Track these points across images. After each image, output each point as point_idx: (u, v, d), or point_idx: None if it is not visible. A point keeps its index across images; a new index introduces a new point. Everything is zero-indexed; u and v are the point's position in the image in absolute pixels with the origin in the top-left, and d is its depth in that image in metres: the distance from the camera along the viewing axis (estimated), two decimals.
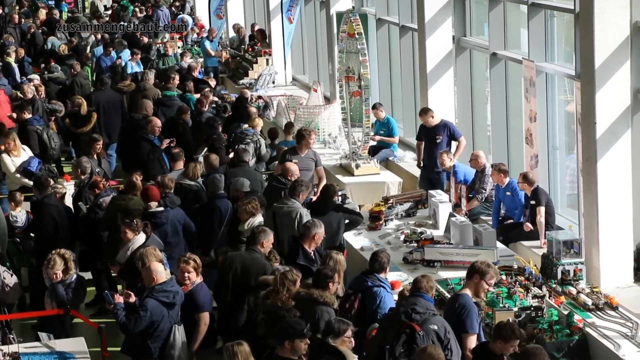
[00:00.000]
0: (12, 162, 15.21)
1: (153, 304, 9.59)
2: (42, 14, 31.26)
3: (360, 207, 14.11)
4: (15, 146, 15.34)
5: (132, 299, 9.70)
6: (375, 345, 8.84)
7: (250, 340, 8.76)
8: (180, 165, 14.50)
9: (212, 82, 20.93)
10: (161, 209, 12.32)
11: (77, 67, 21.72)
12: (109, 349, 10.20)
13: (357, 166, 15.89)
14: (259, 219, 11.75)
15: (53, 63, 22.89)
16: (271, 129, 16.91)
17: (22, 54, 25.29)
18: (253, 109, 17.28)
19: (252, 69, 24.06)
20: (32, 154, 15.67)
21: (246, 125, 16.19)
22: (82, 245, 13.11)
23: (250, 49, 25.07)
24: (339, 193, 13.52)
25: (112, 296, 9.69)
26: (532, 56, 13.55)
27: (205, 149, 15.77)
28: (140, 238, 11.43)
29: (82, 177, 13.96)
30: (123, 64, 23.34)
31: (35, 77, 20.99)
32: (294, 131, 15.89)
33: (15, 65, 23.54)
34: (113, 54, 24.27)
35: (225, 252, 11.11)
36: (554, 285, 10.62)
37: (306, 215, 11.78)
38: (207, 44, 25.52)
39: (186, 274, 10.06)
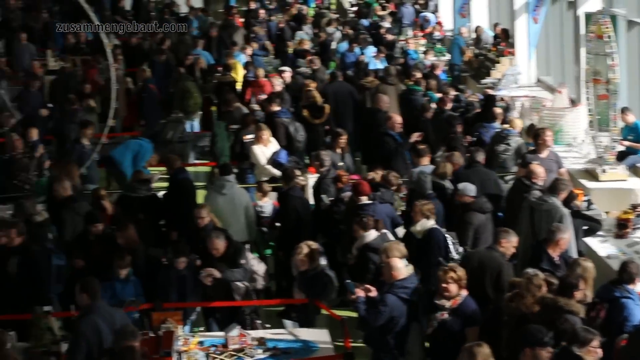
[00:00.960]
0: (263, 153, 15.64)
1: (393, 300, 9.63)
2: (295, 8, 31.98)
3: (606, 213, 13.71)
4: (267, 138, 15.81)
5: (374, 293, 9.79)
6: (626, 358, 8.57)
7: (491, 341, 8.67)
8: (424, 161, 14.35)
9: (469, 96, 20.47)
10: (368, 202, 12.35)
11: (317, 62, 22.06)
12: (351, 341, 10.30)
13: (604, 171, 15.45)
14: (431, 222, 11.50)
15: (310, 58, 23.11)
16: None
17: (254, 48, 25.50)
18: (499, 110, 17.06)
19: (495, 68, 23.79)
20: (278, 146, 16.08)
21: (507, 126, 16.01)
22: (324, 238, 13.32)
23: (493, 49, 24.80)
24: (585, 198, 13.23)
25: (354, 286, 9.79)
26: None
27: (444, 148, 15.75)
28: (370, 235, 11.51)
29: (321, 169, 14.16)
30: (366, 60, 23.58)
31: (287, 70, 21.52)
32: None
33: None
34: (357, 50, 24.55)
35: None
36: None
37: (568, 217, 11.54)
38: (462, 41, 25.42)
39: (443, 285, 9.40)
